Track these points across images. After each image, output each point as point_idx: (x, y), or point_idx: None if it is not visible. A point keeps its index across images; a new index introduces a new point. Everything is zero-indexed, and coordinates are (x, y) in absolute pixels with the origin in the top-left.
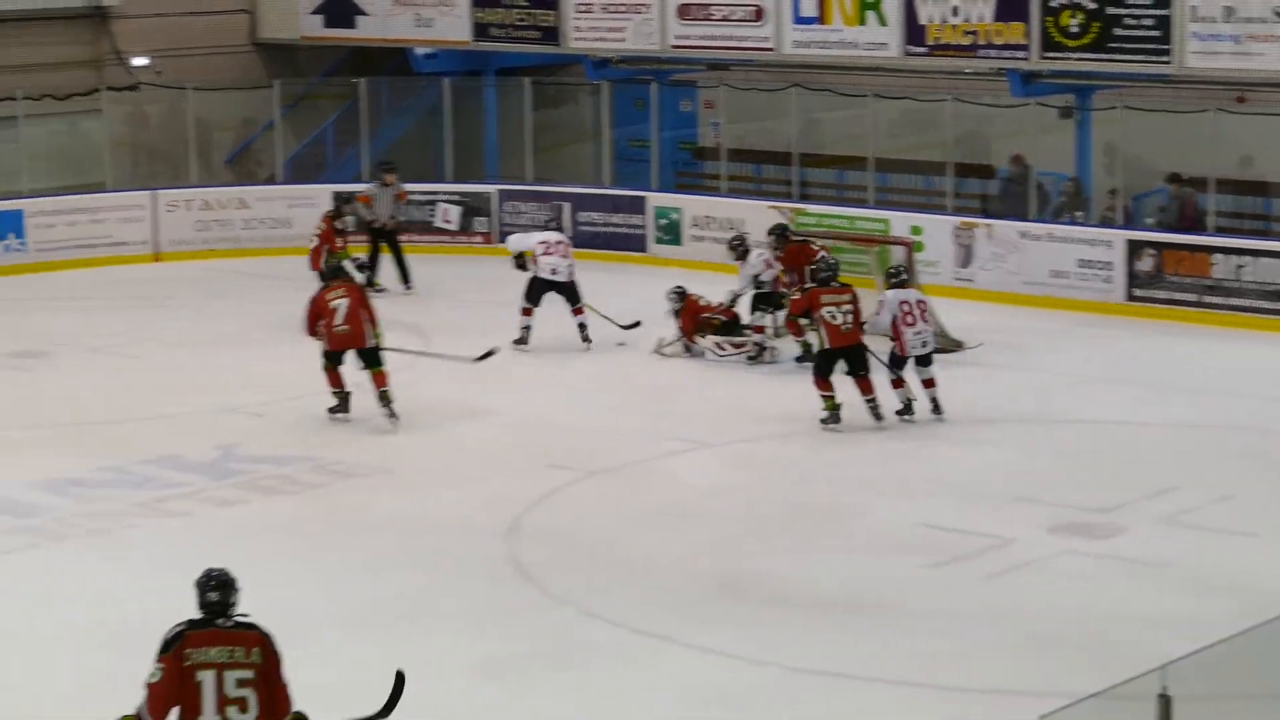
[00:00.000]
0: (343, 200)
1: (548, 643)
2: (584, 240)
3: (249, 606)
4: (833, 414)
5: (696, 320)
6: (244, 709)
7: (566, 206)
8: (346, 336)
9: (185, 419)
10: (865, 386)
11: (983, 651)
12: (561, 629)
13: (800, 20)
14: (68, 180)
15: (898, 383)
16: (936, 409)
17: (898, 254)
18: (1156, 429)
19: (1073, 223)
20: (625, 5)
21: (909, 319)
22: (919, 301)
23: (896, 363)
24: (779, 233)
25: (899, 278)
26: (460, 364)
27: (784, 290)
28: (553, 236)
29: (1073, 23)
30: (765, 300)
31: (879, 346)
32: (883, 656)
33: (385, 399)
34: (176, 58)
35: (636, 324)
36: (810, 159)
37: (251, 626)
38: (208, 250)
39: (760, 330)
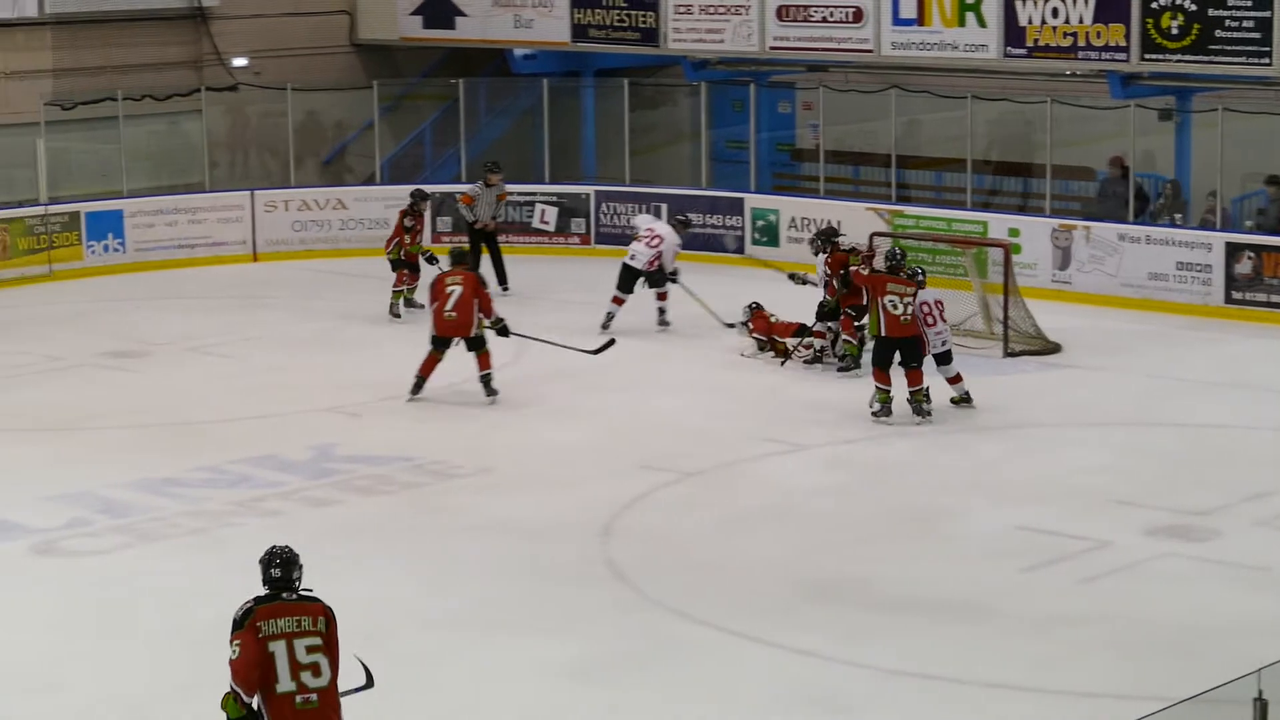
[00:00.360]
0: (419, 196)
1: (640, 643)
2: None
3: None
4: (884, 406)
5: (770, 327)
6: (317, 673)
7: (664, 208)
8: (453, 325)
9: (282, 419)
10: (915, 379)
11: (1078, 655)
12: (654, 629)
13: (899, 22)
14: (167, 180)
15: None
16: (968, 399)
17: (998, 253)
18: (1254, 432)
19: (1171, 225)
20: (724, 7)
21: (929, 319)
22: (937, 301)
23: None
24: (826, 237)
25: (918, 278)
26: (562, 362)
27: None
28: (652, 224)
29: (1173, 24)
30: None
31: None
32: (976, 659)
33: (487, 381)
34: (276, 58)
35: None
36: (908, 161)
37: (315, 599)
38: (305, 251)
39: (822, 335)
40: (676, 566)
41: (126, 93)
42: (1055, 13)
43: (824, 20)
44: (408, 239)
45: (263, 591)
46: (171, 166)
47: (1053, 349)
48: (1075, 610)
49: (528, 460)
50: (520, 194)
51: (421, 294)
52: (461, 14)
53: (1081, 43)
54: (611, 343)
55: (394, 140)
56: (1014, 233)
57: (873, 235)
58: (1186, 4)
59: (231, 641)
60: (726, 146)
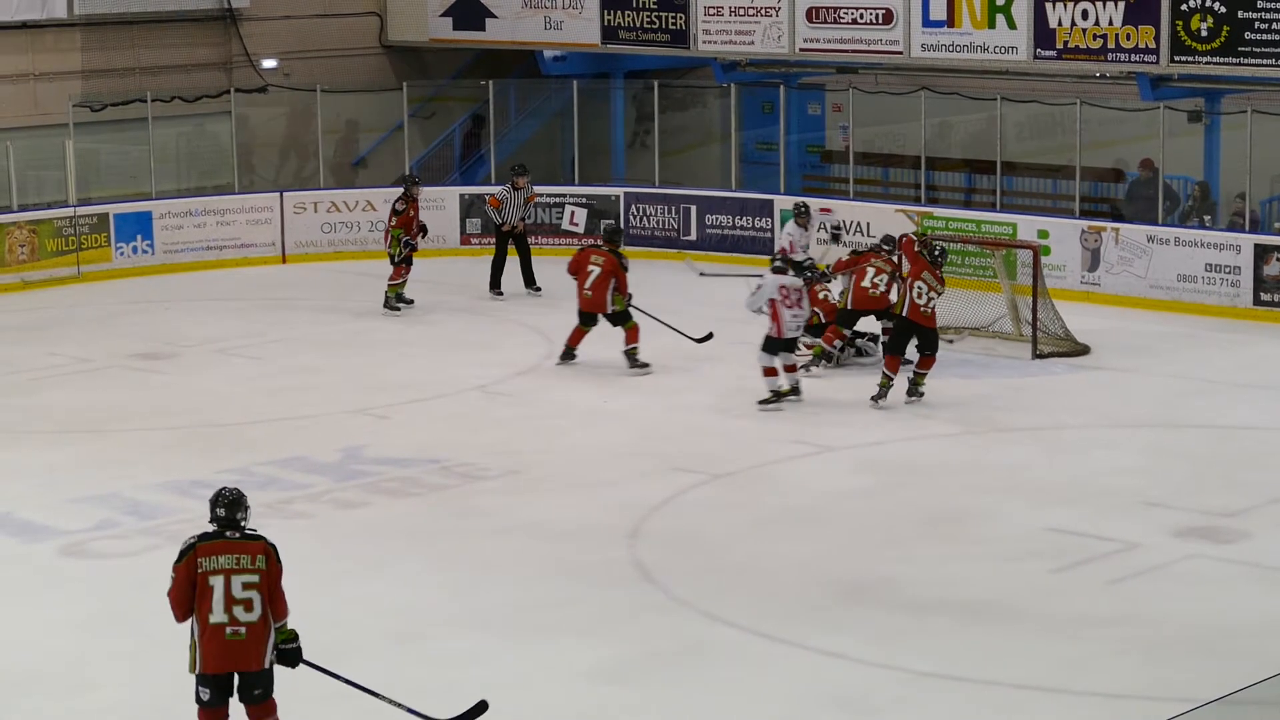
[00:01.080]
0: (411, 180)
1: (669, 645)
2: (711, 243)
3: (372, 607)
4: (883, 390)
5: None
6: (249, 609)
7: (693, 209)
8: (589, 301)
9: (310, 421)
10: (927, 364)
11: (1106, 656)
12: (683, 631)
13: (929, 23)
14: (196, 182)
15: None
16: (797, 391)
17: (1027, 254)
18: None
19: (1201, 227)
20: (754, 8)
21: (788, 300)
22: (798, 288)
23: (771, 346)
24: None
25: (777, 263)
26: (590, 364)
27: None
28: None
29: (1202, 26)
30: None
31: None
32: (1005, 660)
33: (631, 355)
34: (305, 60)
35: (709, 336)
36: (938, 162)
37: (258, 537)
38: (334, 252)
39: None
40: (705, 568)
41: (156, 94)
42: (1085, 15)
43: (854, 22)
44: (393, 221)
45: (210, 529)
46: (200, 168)
47: (1081, 350)
48: (1103, 611)
49: (556, 462)
50: (550, 195)
51: (411, 290)
52: (491, 15)
53: (1111, 45)
54: (711, 335)
55: (424, 142)
56: (1043, 234)
57: (902, 236)
58: (1216, 6)
59: (171, 572)
60: (756, 148)
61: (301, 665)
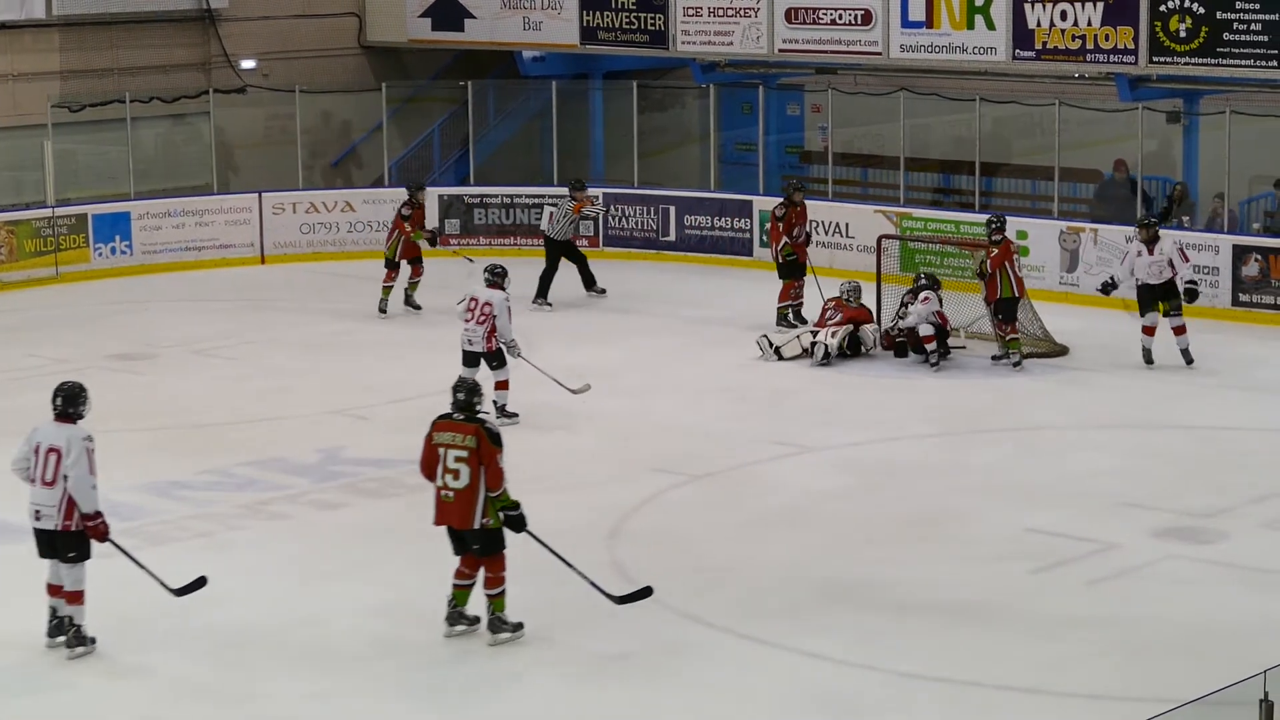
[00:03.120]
0: (415, 186)
1: (649, 646)
2: (690, 244)
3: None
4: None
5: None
6: (457, 478)
7: (672, 210)
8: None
9: (289, 422)
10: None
11: (1086, 656)
12: (664, 633)
13: (908, 24)
14: (174, 183)
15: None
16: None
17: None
18: (1262, 434)
19: (1179, 227)
20: (733, 9)
21: (468, 315)
22: (485, 304)
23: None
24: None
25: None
26: (571, 366)
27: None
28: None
29: (1181, 27)
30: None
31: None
32: (985, 661)
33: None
34: (284, 60)
35: (586, 387)
36: (916, 163)
37: (476, 421)
38: (313, 253)
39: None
40: (685, 569)
41: (134, 95)
42: (1064, 15)
43: (833, 23)
44: (408, 226)
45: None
46: (179, 169)
47: (1060, 351)
48: (1084, 612)
49: (536, 463)
50: (528, 196)
51: (422, 295)
52: (470, 16)
53: (1090, 45)
54: (588, 387)
55: (403, 142)
56: (1022, 235)
57: (881, 237)
58: (1195, 7)
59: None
60: (735, 149)
61: (525, 534)
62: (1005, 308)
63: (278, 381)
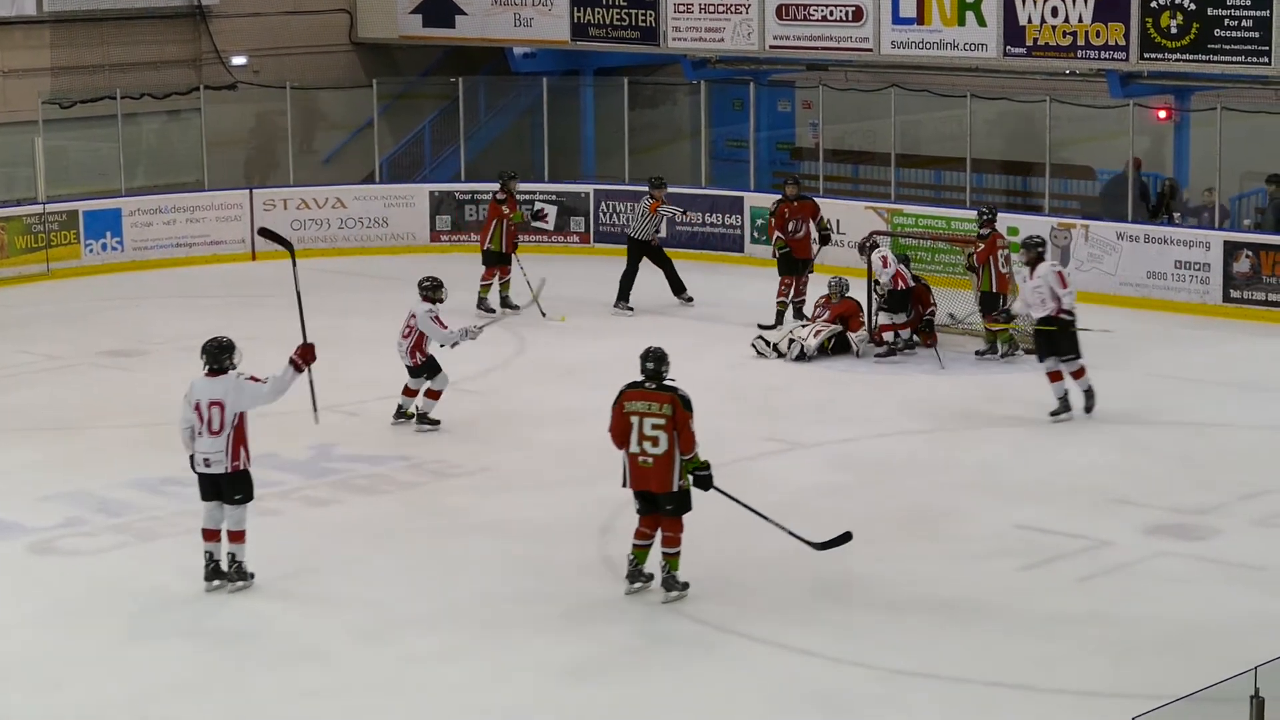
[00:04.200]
0: (509, 175)
1: (640, 643)
2: (682, 240)
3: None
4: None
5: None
6: (655, 444)
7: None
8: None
9: (280, 418)
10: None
11: (1076, 654)
12: (654, 629)
13: (899, 21)
14: (165, 179)
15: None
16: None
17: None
18: (1253, 431)
19: (1171, 223)
20: (724, 5)
21: (404, 330)
22: (409, 316)
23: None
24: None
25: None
26: (561, 361)
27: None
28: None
29: (1172, 23)
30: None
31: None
32: (976, 659)
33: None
34: (275, 57)
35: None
36: (907, 160)
37: (670, 389)
38: (304, 249)
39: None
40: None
41: (125, 91)
42: (1055, 12)
43: (824, 19)
44: (506, 209)
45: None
46: (170, 165)
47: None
48: (1074, 609)
49: (527, 459)
50: (520, 193)
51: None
52: (461, 12)
53: (1081, 42)
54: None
55: (393, 139)
56: (1013, 231)
57: (872, 234)
58: (1186, 3)
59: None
60: (726, 145)
61: (712, 491)
62: (985, 302)
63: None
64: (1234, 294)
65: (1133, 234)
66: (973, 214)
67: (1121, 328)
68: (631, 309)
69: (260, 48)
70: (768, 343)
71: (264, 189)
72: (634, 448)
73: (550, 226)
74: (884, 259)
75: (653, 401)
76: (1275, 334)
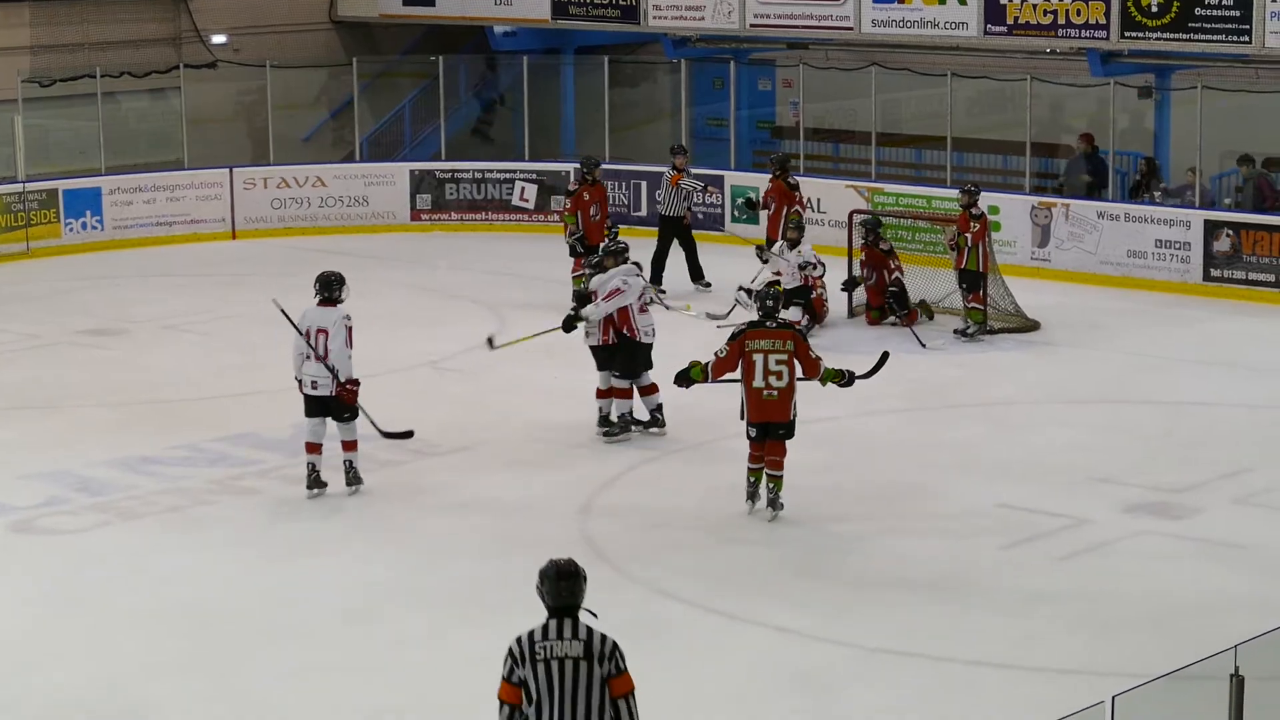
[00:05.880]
0: (593, 163)
1: (621, 621)
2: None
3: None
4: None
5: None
6: (779, 378)
7: (643, 185)
8: None
9: (261, 397)
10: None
11: (1056, 632)
12: (634, 608)
13: (879, 0)
14: (145, 158)
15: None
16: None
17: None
18: (1232, 410)
19: (1150, 202)
20: None
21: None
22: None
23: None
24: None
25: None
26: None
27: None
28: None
29: (1153, 2)
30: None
31: None
32: (956, 637)
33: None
34: (255, 35)
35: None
36: (888, 138)
37: (788, 326)
38: (284, 228)
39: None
40: (657, 544)
41: (105, 70)
42: None
43: None
44: (566, 205)
45: (755, 319)
46: (150, 144)
47: (1031, 326)
48: (1054, 587)
49: (506, 439)
50: (500, 171)
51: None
52: None
53: (1062, 20)
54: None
55: (374, 118)
56: (993, 210)
57: (852, 213)
58: None
59: (725, 344)
60: (707, 124)
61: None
62: (969, 279)
63: (249, 357)
64: (1214, 273)
65: (1113, 213)
66: (953, 193)
67: (1101, 307)
68: (664, 291)
69: (240, 26)
70: (748, 293)
71: (244, 168)
72: (758, 382)
73: (531, 205)
74: (800, 250)
75: (775, 339)
76: (1255, 313)
